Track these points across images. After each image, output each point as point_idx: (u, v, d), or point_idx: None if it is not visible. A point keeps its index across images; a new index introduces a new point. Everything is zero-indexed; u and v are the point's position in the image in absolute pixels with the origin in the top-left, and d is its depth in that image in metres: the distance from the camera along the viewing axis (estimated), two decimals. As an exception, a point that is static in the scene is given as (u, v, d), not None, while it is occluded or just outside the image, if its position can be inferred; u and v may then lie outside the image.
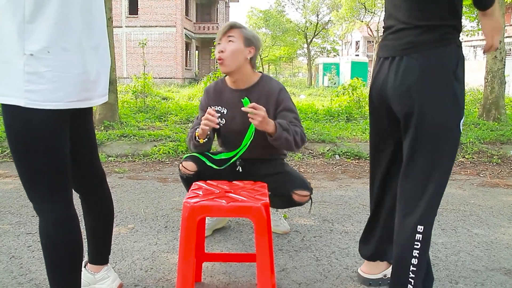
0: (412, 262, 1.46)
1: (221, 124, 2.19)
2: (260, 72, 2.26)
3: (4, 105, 1.28)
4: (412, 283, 1.46)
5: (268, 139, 2.01)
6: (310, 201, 2.20)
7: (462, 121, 1.46)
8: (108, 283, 1.71)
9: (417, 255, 1.46)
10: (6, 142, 4.77)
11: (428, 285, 1.59)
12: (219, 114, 2.17)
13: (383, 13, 1.66)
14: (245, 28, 2.16)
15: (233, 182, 1.86)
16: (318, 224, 2.69)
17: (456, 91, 1.41)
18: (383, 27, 1.62)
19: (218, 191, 1.67)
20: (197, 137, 2.10)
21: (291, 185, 2.14)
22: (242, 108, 1.89)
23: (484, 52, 1.48)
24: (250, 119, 1.90)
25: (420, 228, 1.46)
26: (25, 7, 1.21)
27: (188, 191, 2.20)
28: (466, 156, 4.91)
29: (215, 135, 2.29)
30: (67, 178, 1.39)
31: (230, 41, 2.08)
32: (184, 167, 2.17)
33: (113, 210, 1.71)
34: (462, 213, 2.98)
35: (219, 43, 2.12)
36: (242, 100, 1.92)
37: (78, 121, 1.47)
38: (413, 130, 1.47)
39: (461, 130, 1.46)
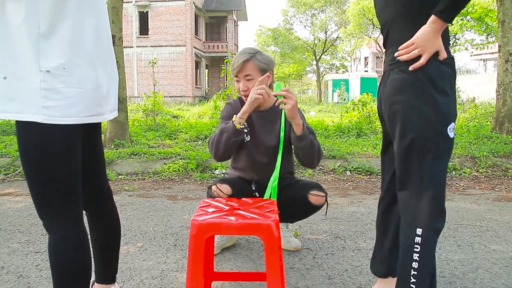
0: (413, 265, 1.45)
1: (246, 140, 2.21)
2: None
3: (19, 123, 1.29)
4: None
5: (293, 140, 2.07)
6: (326, 204, 2.21)
7: (450, 126, 1.47)
8: (115, 303, 1.68)
9: (418, 259, 1.44)
10: (18, 161, 4.82)
11: None
12: (246, 130, 2.18)
13: None
14: (256, 54, 2.15)
15: (242, 199, 1.83)
16: (330, 241, 2.63)
17: (437, 100, 1.44)
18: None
19: (227, 208, 1.64)
20: (233, 122, 2.05)
21: (306, 188, 2.18)
22: (274, 93, 1.96)
23: (410, 68, 1.47)
24: (282, 104, 1.94)
25: (419, 230, 1.45)
26: (40, 26, 1.25)
27: None
28: (480, 170, 4.81)
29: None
30: (78, 195, 1.39)
31: (248, 80, 2.13)
32: (219, 189, 2.12)
33: (120, 227, 1.68)
34: (478, 228, 2.90)
35: (237, 80, 2.16)
36: (274, 84, 1.99)
37: (88, 137, 1.47)
38: (398, 141, 1.51)
39: (451, 135, 1.47)
